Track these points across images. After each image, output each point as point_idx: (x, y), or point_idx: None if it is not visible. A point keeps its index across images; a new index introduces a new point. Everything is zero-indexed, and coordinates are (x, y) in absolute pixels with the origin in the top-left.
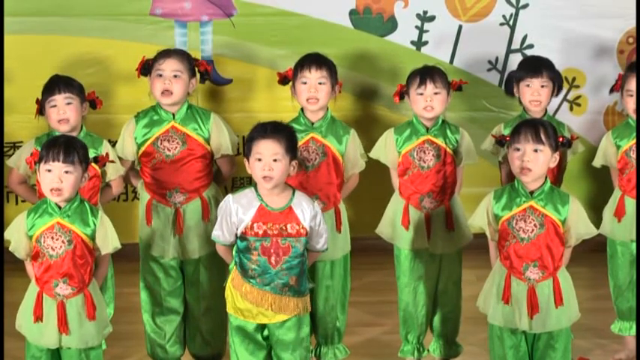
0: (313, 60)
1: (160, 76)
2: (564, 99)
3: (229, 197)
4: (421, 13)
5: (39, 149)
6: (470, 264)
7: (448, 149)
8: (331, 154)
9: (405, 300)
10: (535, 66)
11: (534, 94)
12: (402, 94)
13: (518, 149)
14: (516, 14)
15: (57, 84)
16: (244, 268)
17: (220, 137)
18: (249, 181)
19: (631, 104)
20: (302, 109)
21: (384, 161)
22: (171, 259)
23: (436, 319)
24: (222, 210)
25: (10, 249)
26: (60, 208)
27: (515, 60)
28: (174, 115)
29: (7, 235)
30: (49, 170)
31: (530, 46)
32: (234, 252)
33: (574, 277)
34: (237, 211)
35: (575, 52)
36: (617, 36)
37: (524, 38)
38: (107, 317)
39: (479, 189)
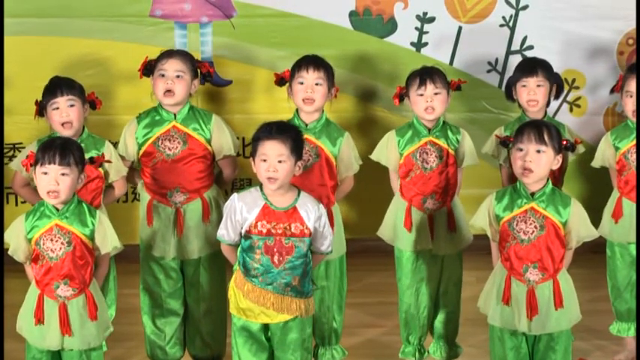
0: (311, 61)
1: (163, 76)
2: (564, 100)
3: (234, 196)
4: (421, 15)
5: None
6: (470, 265)
7: (450, 150)
8: (324, 155)
9: (407, 302)
10: (530, 66)
11: (530, 93)
12: (402, 96)
13: (520, 149)
14: (516, 15)
15: (59, 86)
16: (247, 267)
17: (222, 138)
18: (249, 183)
19: (630, 105)
20: (297, 110)
21: (384, 163)
22: (172, 260)
23: (437, 321)
24: (228, 208)
25: (9, 253)
26: (58, 210)
27: (515, 61)
28: (175, 115)
29: (5, 238)
30: (46, 173)
31: (530, 48)
32: (238, 252)
33: (573, 279)
34: (241, 210)
35: (575, 54)
36: (617, 37)
37: (524, 39)
38: (108, 318)
39: (479, 190)
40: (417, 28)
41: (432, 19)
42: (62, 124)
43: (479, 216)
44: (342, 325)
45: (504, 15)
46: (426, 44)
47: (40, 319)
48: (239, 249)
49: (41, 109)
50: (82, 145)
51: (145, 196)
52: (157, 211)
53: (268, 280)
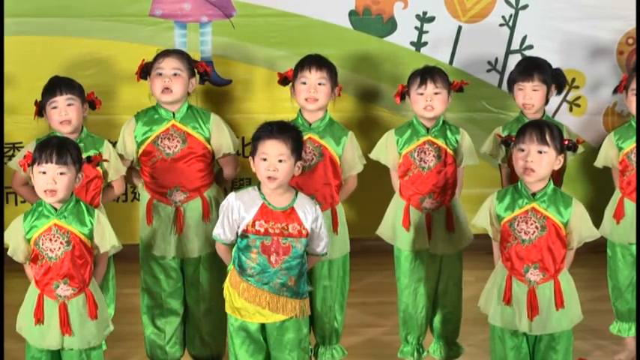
0: (314, 61)
1: (160, 74)
2: (564, 100)
3: (231, 195)
4: (421, 14)
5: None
6: (470, 265)
7: (449, 150)
8: (328, 155)
9: (405, 301)
10: (527, 69)
11: (526, 97)
12: (404, 94)
13: (522, 149)
14: (516, 15)
15: (58, 85)
16: (243, 266)
17: (221, 137)
18: (248, 182)
19: (635, 103)
20: (300, 110)
21: (384, 162)
22: (172, 260)
23: (436, 320)
24: (224, 208)
25: (8, 253)
26: (56, 209)
27: (514, 61)
28: (174, 114)
29: (4, 239)
30: (43, 172)
31: (530, 47)
32: (233, 251)
33: (574, 278)
34: (239, 209)
35: (575, 53)
36: (617, 37)
37: (524, 39)
38: (108, 316)
39: (479, 190)
40: (416, 28)
41: (431, 19)
42: (60, 122)
43: (480, 216)
44: (343, 324)
45: (504, 14)
46: (425, 44)
47: (39, 318)
48: (234, 248)
49: (40, 109)
50: (81, 144)
51: (145, 196)
52: (156, 211)
53: (264, 280)
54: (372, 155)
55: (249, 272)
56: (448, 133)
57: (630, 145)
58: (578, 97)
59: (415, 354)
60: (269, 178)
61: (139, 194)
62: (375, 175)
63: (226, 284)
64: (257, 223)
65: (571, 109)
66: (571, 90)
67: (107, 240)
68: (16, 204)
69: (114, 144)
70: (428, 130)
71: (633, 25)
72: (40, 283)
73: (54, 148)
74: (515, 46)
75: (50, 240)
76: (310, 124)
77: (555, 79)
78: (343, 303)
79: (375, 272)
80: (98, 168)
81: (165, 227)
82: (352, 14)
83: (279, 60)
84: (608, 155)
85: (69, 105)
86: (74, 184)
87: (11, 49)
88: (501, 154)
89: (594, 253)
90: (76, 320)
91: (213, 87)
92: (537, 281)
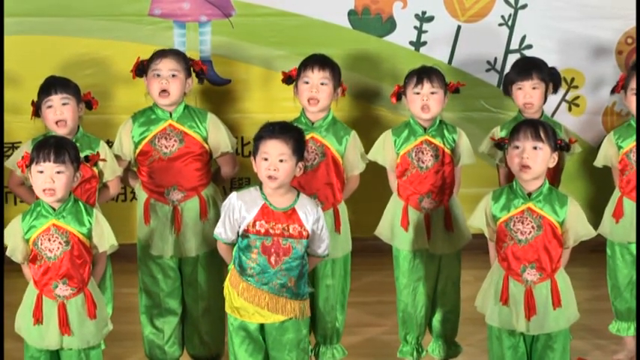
0: (317, 60)
1: (158, 76)
2: (563, 99)
3: (233, 194)
4: (420, 14)
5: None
6: (468, 264)
7: (446, 149)
8: (330, 154)
9: (404, 301)
10: (525, 68)
11: (526, 96)
12: (400, 94)
13: (517, 147)
14: (515, 15)
15: (53, 85)
16: (243, 266)
17: (218, 136)
18: (248, 182)
19: (635, 102)
20: (303, 109)
21: (381, 162)
22: (170, 259)
23: (435, 320)
24: (226, 207)
25: (7, 254)
26: (54, 209)
27: (513, 60)
28: (171, 114)
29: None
30: (41, 171)
31: (529, 47)
32: (234, 251)
33: (573, 278)
34: (240, 208)
35: (574, 53)
36: (616, 37)
37: (523, 39)
38: (107, 316)
39: (476, 189)
40: (415, 28)
41: (430, 19)
42: (56, 123)
43: (476, 216)
44: (343, 324)
45: (503, 14)
46: (424, 43)
47: (38, 319)
48: (235, 248)
49: (37, 109)
50: (78, 144)
51: (142, 195)
52: (154, 210)
53: (264, 280)
54: (370, 156)
55: (249, 272)
56: (445, 132)
57: (630, 145)
58: (578, 97)
59: (414, 353)
60: (270, 177)
61: (136, 194)
62: (373, 175)
63: (226, 283)
64: (258, 223)
65: (570, 109)
66: (570, 90)
67: (106, 240)
68: (16, 203)
69: (111, 144)
70: (425, 129)
71: (633, 24)
72: (38, 283)
73: (51, 147)
74: (514, 45)
75: (49, 240)
76: (313, 123)
77: (551, 78)
78: (344, 302)
79: (373, 272)
80: (94, 168)
81: (162, 227)
82: (351, 14)
83: (278, 60)
84: (607, 154)
85: (64, 104)
86: (72, 183)
87: (10, 48)
88: (499, 153)
89: (593, 252)
90: (75, 320)
91: (213, 87)
92: (534, 281)
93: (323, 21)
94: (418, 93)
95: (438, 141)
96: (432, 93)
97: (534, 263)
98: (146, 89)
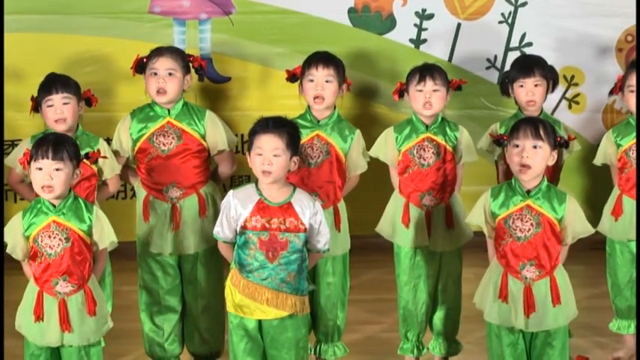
0: (321, 58)
1: (155, 74)
2: (563, 97)
3: (230, 192)
4: (420, 11)
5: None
6: (469, 262)
7: (448, 147)
8: (335, 153)
9: (405, 298)
10: (527, 66)
11: (529, 94)
12: (402, 92)
13: (517, 146)
14: (515, 12)
15: (54, 83)
16: (242, 263)
17: (216, 133)
18: (247, 179)
19: (633, 100)
20: (308, 107)
21: (383, 159)
22: (169, 257)
23: (436, 317)
24: (224, 205)
25: (7, 251)
26: (54, 206)
27: (513, 58)
28: (169, 111)
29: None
30: (40, 168)
31: (529, 44)
32: (235, 250)
33: (572, 276)
34: (236, 206)
35: (574, 51)
36: (616, 34)
37: (523, 36)
38: (107, 313)
39: (477, 187)
40: (415, 25)
41: (430, 16)
42: (56, 121)
43: (475, 213)
44: (344, 321)
45: (503, 12)
46: (424, 41)
47: (39, 316)
48: (235, 247)
49: (37, 106)
50: (77, 142)
51: (142, 192)
52: (153, 207)
53: (263, 276)
54: (372, 153)
55: (248, 268)
56: (447, 130)
57: (628, 143)
58: (578, 95)
59: (415, 351)
60: (264, 172)
61: (136, 191)
62: (374, 172)
63: (227, 283)
64: (254, 218)
65: (570, 107)
66: (570, 87)
67: (106, 236)
68: (16, 201)
69: (110, 142)
70: (427, 127)
71: (633, 22)
72: (39, 280)
73: (50, 144)
74: (514, 43)
75: (49, 237)
76: (319, 121)
77: (552, 75)
78: (344, 300)
79: (373, 269)
80: (93, 166)
81: (161, 224)
82: (351, 11)
83: (278, 57)
84: (606, 152)
85: (65, 104)
86: (71, 181)
87: (10, 46)
88: (498, 150)
89: (593, 250)
90: (76, 317)
91: (212, 84)
92: (533, 278)
93: (323, 19)
94: (421, 90)
95: (439, 138)
96: (435, 90)
97: (533, 260)
98: (145, 87)
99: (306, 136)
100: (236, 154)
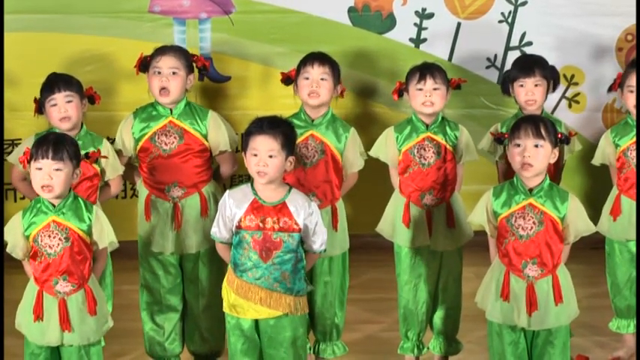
0: (316, 57)
1: (158, 73)
2: (563, 96)
3: (226, 192)
4: (420, 11)
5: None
6: (469, 261)
7: (448, 146)
8: (330, 152)
9: (406, 297)
10: (527, 66)
11: (528, 93)
12: (401, 91)
13: (518, 145)
14: (515, 12)
15: (56, 83)
16: (237, 262)
17: (218, 134)
18: (248, 179)
19: (632, 100)
20: (303, 106)
21: (383, 159)
22: (171, 256)
23: (436, 317)
24: (220, 205)
25: (7, 250)
26: (54, 206)
27: (513, 57)
28: (171, 110)
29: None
30: (40, 168)
31: (529, 44)
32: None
33: (573, 275)
34: (231, 205)
35: (574, 50)
36: (616, 34)
37: (523, 36)
38: (107, 312)
39: (478, 186)
40: (415, 24)
41: (430, 15)
42: (60, 119)
43: (476, 212)
44: (343, 320)
45: (503, 11)
46: (424, 40)
47: (39, 315)
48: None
49: (40, 107)
50: (80, 142)
51: (144, 192)
52: (154, 206)
53: (257, 275)
54: (372, 153)
55: (241, 268)
56: (447, 129)
57: (627, 143)
58: (578, 94)
59: (415, 350)
60: (259, 173)
61: (137, 191)
62: (374, 172)
63: (224, 283)
64: (248, 218)
65: (570, 106)
66: (570, 87)
67: (106, 236)
68: (16, 200)
69: (113, 141)
70: (427, 126)
71: (632, 21)
72: (39, 279)
73: (50, 144)
74: (514, 42)
75: (49, 236)
76: (313, 121)
77: (552, 75)
78: (343, 299)
79: (373, 269)
80: (95, 166)
81: (163, 223)
82: (351, 11)
83: (278, 57)
84: (605, 152)
85: (68, 102)
86: (71, 180)
87: (11, 46)
88: (499, 150)
89: (593, 249)
90: (76, 316)
91: (213, 84)
92: (535, 276)
93: (323, 18)
94: (421, 89)
95: (440, 138)
96: (435, 89)
97: (536, 259)
98: (148, 85)
99: (300, 135)
100: (237, 153)
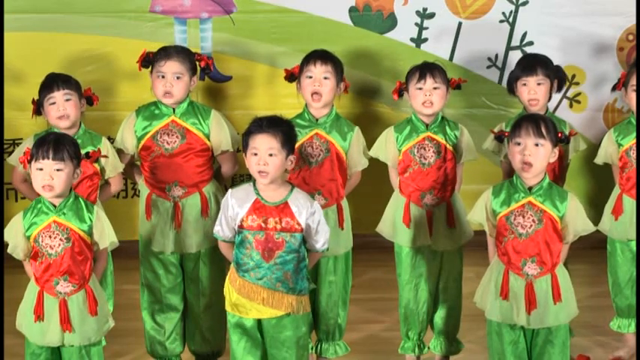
0: (319, 55)
1: (162, 77)
2: (564, 96)
3: (229, 191)
4: (421, 10)
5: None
6: (470, 261)
7: (448, 146)
8: (335, 150)
9: (406, 297)
10: (530, 65)
11: (531, 92)
12: (401, 91)
13: (519, 144)
14: (516, 11)
15: (55, 81)
16: (239, 262)
17: (220, 134)
18: (249, 178)
19: (634, 100)
20: (306, 105)
21: (383, 159)
22: (171, 255)
23: (437, 316)
24: (223, 204)
25: (8, 251)
26: (55, 206)
27: (514, 57)
28: (174, 109)
29: (4, 236)
30: (40, 169)
31: (530, 44)
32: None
33: (573, 274)
34: (233, 205)
35: (575, 50)
36: (617, 33)
37: (524, 35)
38: (108, 312)
39: (479, 186)
40: (416, 24)
41: (431, 15)
42: (58, 118)
43: (476, 211)
44: (345, 320)
45: (504, 11)
46: (425, 40)
47: (39, 315)
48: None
49: (38, 107)
50: (79, 141)
51: (144, 190)
52: (155, 205)
53: (259, 275)
54: (372, 153)
55: (244, 268)
56: (447, 129)
57: (629, 142)
58: (579, 94)
59: (416, 350)
60: (260, 172)
61: (138, 191)
62: (374, 172)
63: (226, 282)
64: (250, 218)
65: (571, 106)
66: (571, 86)
67: (106, 236)
68: (16, 200)
69: (113, 140)
70: (427, 126)
71: (633, 21)
72: (40, 280)
73: (50, 144)
74: (515, 42)
75: (50, 237)
76: (317, 120)
77: (556, 76)
78: (346, 298)
79: (374, 268)
80: (95, 164)
81: (164, 222)
82: (352, 10)
83: (279, 56)
84: (607, 152)
85: (67, 100)
86: (72, 180)
87: (11, 45)
88: (503, 150)
89: (594, 249)
90: (76, 317)
91: (214, 83)
92: (535, 275)
93: (324, 18)
94: (421, 88)
95: (440, 137)
96: (435, 88)
97: (535, 257)
98: (151, 84)
99: (305, 135)
100: (238, 153)
